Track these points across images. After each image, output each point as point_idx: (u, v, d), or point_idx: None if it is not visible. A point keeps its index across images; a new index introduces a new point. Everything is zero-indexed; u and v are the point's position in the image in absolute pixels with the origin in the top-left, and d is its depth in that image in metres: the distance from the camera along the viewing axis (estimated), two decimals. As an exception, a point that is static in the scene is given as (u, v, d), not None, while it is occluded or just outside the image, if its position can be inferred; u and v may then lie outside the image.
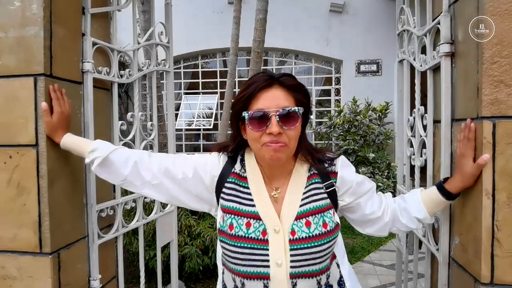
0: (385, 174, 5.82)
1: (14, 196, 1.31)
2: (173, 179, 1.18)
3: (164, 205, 2.10)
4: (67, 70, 1.40)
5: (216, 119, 7.54)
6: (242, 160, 1.16)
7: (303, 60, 7.44)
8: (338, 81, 7.28)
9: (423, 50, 1.55)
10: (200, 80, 7.77)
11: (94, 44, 1.52)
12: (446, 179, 1.20)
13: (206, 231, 3.61)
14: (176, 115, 7.71)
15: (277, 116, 1.00)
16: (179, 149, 8.07)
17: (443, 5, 1.30)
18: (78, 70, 1.47)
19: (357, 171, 6.03)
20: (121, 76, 1.72)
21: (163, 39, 2.08)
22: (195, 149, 8.05)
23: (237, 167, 1.15)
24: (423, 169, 1.59)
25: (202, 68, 7.87)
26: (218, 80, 7.70)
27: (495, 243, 1.06)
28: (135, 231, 3.20)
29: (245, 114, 1.03)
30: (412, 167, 1.74)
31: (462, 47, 1.22)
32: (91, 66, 1.49)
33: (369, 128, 6.07)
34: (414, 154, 1.64)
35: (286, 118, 1.01)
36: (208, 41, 7.25)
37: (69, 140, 1.30)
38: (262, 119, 1.01)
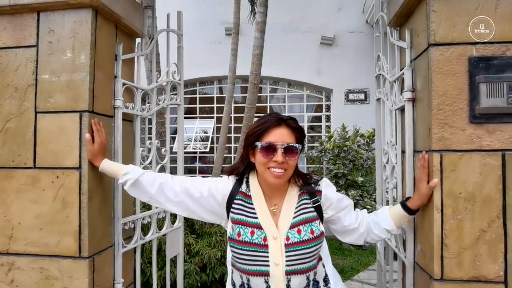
0: (374, 197, 6.12)
1: (59, 209, 1.59)
2: (192, 197, 1.48)
3: (173, 221, 2.37)
4: (103, 107, 1.72)
5: (212, 142, 7.86)
6: (247, 182, 1.47)
7: (296, 88, 7.88)
8: (328, 108, 7.70)
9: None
10: (198, 106, 8.13)
11: (123, 84, 1.85)
12: (407, 198, 1.53)
13: (204, 249, 3.84)
14: (174, 138, 7.99)
15: (282, 149, 1.33)
16: (173, 171, 8.28)
17: (406, 61, 1.66)
18: (111, 106, 1.79)
19: (347, 194, 6.31)
20: (142, 110, 2.04)
21: (176, 77, 2.41)
22: (190, 171, 8.29)
23: (243, 187, 1.46)
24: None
25: (199, 94, 8.25)
26: (215, 105, 8.07)
27: (444, 247, 1.38)
28: (141, 249, 3.42)
29: (259, 144, 1.35)
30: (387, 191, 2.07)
31: (420, 95, 1.58)
32: (121, 103, 1.81)
33: (357, 153, 6.42)
34: (387, 178, 1.97)
35: (288, 151, 1.34)
36: (206, 69, 7.66)
37: (106, 165, 1.60)
38: (271, 149, 1.34)
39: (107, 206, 1.75)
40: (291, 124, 1.39)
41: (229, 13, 6.19)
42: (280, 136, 1.35)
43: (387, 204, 2.00)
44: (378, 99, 2.26)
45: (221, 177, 1.54)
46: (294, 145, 1.36)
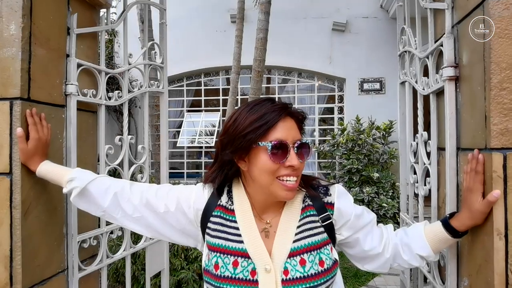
0: (390, 194, 5.67)
1: (-15, 227, 1.21)
2: (155, 212, 1.09)
3: (154, 232, 1.99)
4: (48, 93, 1.33)
5: (218, 136, 7.48)
6: (229, 192, 1.07)
7: (306, 78, 7.40)
8: (341, 99, 7.21)
9: (425, 72, 1.47)
10: (203, 98, 7.74)
11: (79, 65, 1.45)
12: (452, 214, 1.09)
13: (204, 254, 3.49)
14: (179, 132, 7.67)
15: (295, 148, 0.94)
16: (181, 166, 7.99)
17: (446, 27, 1.22)
18: (61, 93, 1.40)
19: (361, 191, 5.86)
20: (109, 98, 1.65)
21: (157, 59, 2.02)
22: (197, 166, 7.97)
23: (224, 199, 1.06)
24: (427, 198, 1.48)
25: (205, 85, 7.86)
26: (221, 97, 7.67)
27: (510, 289, 0.95)
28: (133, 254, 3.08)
29: (267, 144, 0.92)
30: (415, 195, 1.63)
31: (467, 71, 1.13)
32: (75, 88, 1.42)
33: (373, 147, 5.95)
34: (417, 182, 1.54)
35: (301, 150, 0.95)
36: (211, 59, 7.26)
37: (45, 169, 1.22)
38: (282, 151, 0.93)
39: (54, 222, 1.36)
40: (295, 113, 0.99)
41: (234, -1, 5.75)
42: (289, 130, 0.95)
43: (412, 216, 1.56)
44: (403, 82, 1.82)
45: (195, 184, 1.13)
46: (306, 141, 0.96)
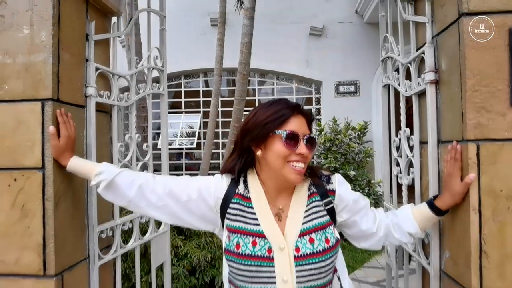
0: (366, 191, 5.96)
1: (17, 219, 1.31)
2: (178, 201, 1.22)
3: (158, 226, 2.11)
4: (72, 95, 1.44)
5: (199, 138, 7.56)
6: (245, 181, 1.22)
7: (284, 81, 7.64)
8: (318, 101, 7.50)
9: (407, 76, 1.69)
10: (183, 100, 7.80)
11: (96, 69, 1.56)
12: (435, 197, 1.30)
13: (193, 251, 3.59)
14: (158, 134, 7.68)
15: (305, 140, 1.12)
16: (158, 167, 7.97)
17: (427, 37, 1.43)
18: (81, 95, 1.50)
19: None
20: (120, 99, 1.76)
21: (158, 63, 2.14)
22: (176, 168, 7.99)
23: (241, 188, 1.21)
24: (409, 186, 1.70)
25: (184, 87, 7.92)
26: (201, 99, 7.77)
27: (483, 255, 1.16)
28: (125, 253, 3.16)
29: (283, 133, 1.11)
30: (398, 186, 1.85)
31: (445, 76, 1.35)
32: (94, 90, 1.53)
33: (349, 146, 6.23)
34: (401, 173, 1.75)
35: (309, 142, 1.13)
36: (191, 62, 7.34)
37: (75, 163, 1.32)
38: (294, 140, 1.11)
39: (78, 213, 1.47)
40: (306, 112, 1.19)
41: (215, 3, 5.87)
42: (301, 125, 1.15)
43: (397, 202, 1.78)
44: (385, 85, 2.03)
45: (212, 175, 1.28)
46: (313, 136, 1.16)
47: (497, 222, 1.16)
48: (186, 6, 7.22)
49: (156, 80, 2.11)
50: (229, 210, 1.18)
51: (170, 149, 7.94)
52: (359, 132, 6.46)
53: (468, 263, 1.18)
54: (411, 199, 1.64)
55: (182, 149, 7.77)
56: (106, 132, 1.72)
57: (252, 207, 1.17)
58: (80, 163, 1.34)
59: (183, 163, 7.93)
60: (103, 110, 1.69)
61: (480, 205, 1.17)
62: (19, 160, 1.31)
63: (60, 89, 1.35)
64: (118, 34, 1.71)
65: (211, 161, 5.53)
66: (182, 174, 8.01)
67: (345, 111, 6.66)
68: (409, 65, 1.62)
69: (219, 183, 1.23)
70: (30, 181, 1.30)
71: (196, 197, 1.21)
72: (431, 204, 1.27)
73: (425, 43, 1.46)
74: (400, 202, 1.79)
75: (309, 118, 1.20)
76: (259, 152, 1.17)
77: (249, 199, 1.19)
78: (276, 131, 1.12)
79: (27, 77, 1.32)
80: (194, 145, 7.53)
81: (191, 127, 7.76)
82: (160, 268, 2.60)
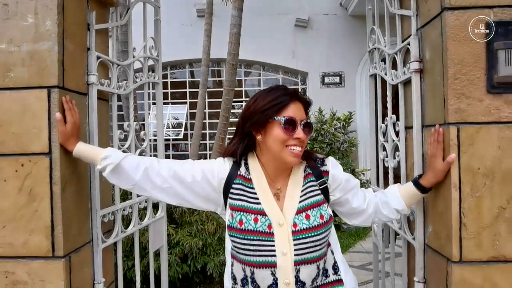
0: (351, 179, 6.14)
1: (25, 203, 1.35)
2: (183, 182, 1.30)
3: (155, 211, 2.17)
4: (75, 83, 1.48)
5: (185, 129, 7.58)
6: (246, 164, 1.31)
7: (270, 72, 7.71)
8: (304, 92, 7.61)
9: (392, 66, 1.80)
10: (169, 90, 7.78)
11: (98, 58, 1.60)
12: (420, 176, 1.42)
13: (185, 239, 3.66)
14: (144, 125, 7.64)
15: (302, 125, 1.21)
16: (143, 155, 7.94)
17: (412, 30, 1.54)
18: (84, 83, 1.55)
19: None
20: (119, 87, 1.80)
21: (153, 52, 2.18)
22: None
23: (242, 170, 1.30)
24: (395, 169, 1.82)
25: (170, 78, 7.89)
26: (188, 90, 7.77)
27: (462, 227, 1.29)
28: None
29: (281, 118, 1.19)
30: (385, 169, 1.97)
31: (429, 65, 1.46)
32: (95, 78, 1.57)
33: (334, 136, 6.40)
34: (387, 157, 1.87)
35: (306, 127, 1.22)
36: (177, 52, 7.30)
37: (81, 148, 1.38)
38: (292, 125, 1.19)
39: (83, 197, 1.52)
40: (303, 99, 1.27)
41: (201, -7, 5.87)
42: (298, 111, 1.23)
43: (382, 187, 1.90)
44: (372, 75, 2.14)
45: (215, 160, 1.36)
46: (310, 121, 1.25)
47: (475, 197, 1.28)
48: (172, -4, 7.17)
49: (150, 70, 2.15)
50: (232, 190, 1.27)
51: (156, 140, 7.93)
52: (344, 122, 6.64)
53: (450, 236, 1.30)
54: (396, 181, 1.76)
55: (168, 140, 7.78)
56: (106, 120, 1.77)
57: (253, 188, 1.26)
58: (86, 148, 1.39)
59: (170, 154, 7.94)
60: (103, 98, 1.74)
61: (460, 182, 1.29)
62: (25, 146, 1.35)
63: (65, 77, 1.39)
64: (117, 24, 1.75)
65: (199, 152, 5.58)
66: (169, 166, 8.00)
67: (330, 102, 6.81)
68: (395, 55, 1.73)
69: (222, 165, 1.31)
70: (37, 166, 1.35)
71: (200, 179, 1.29)
72: (416, 183, 1.39)
73: (410, 35, 1.56)
74: (386, 185, 1.91)
75: (306, 104, 1.28)
76: (259, 137, 1.25)
77: (250, 180, 1.28)
78: (275, 117, 1.20)
79: (32, 65, 1.35)
80: (181, 136, 7.55)
81: (176, 119, 7.77)
82: (154, 256, 2.68)
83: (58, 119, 1.34)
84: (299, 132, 1.20)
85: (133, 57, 1.94)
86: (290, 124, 1.19)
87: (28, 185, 1.35)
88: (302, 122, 1.21)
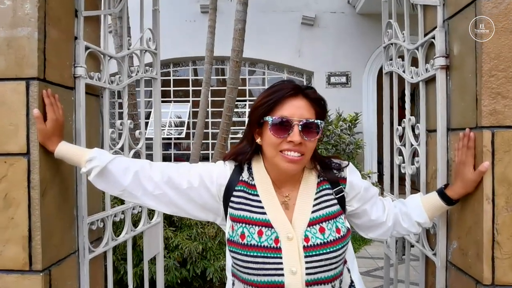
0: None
1: (0, 209, 1.20)
2: (177, 189, 1.14)
3: (151, 216, 2.02)
4: (60, 75, 1.33)
5: (188, 127, 7.43)
6: (250, 168, 1.15)
7: (275, 71, 7.55)
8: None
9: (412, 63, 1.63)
10: (172, 88, 7.64)
11: (86, 48, 1.45)
12: (446, 186, 1.25)
13: (184, 243, 3.52)
14: (147, 123, 7.52)
15: (300, 126, 1.02)
16: (149, 158, 7.83)
17: (438, 21, 1.37)
18: (70, 75, 1.39)
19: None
20: (111, 82, 1.65)
21: (151, 45, 2.03)
22: (165, 158, 7.85)
23: (245, 175, 1.13)
24: (403, 178, 1.66)
25: (173, 76, 7.75)
26: (191, 88, 7.62)
27: (495, 245, 1.12)
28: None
29: (269, 119, 1.03)
30: (400, 177, 1.81)
31: (457, 61, 1.29)
32: (83, 71, 1.42)
33: (340, 137, 6.23)
34: (404, 163, 1.70)
35: (307, 129, 1.03)
36: (180, 49, 7.16)
37: (64, 149, 1.22)
38: (285, 126, 1.02)
39: (67, 203, 1.37)
40: (310, 94, 1.07)
41: (205, -12, 5.72)
42: (297, 108, 1.04)
43: (397, 195, 1.73)
44: (387, 73, 1.97)
45: (215, 163, 1.20)
46: (315, 121, 1.04)
47: (511, 211, 1.12)
48: (176, -8, 7.03)
49: (147, 65, 2.00)
50: (232, 198, 1.11)
51: (149, 138, 7.80)
52: (350, 123, 6.47)
53: (480, 254, 1.14)
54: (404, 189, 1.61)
55: (170, 139, 7.64)
56: (96, 117, 1.62)
57: (257, 195, 1.10)
58: (69, 149, 1.23)
59: (172, 153, 7.80)
60: (93, 93, 1.59)
61: (493, 194, 1.12)
62: (1, 146, 1.20)
63: (46, 68, 1.24)
64: (110, 12, 1.60)
65: (201, 152, 5.43)
66: (170, 165, 7.86)
67: (336, 102, 6.62)
68: (416, 51, 1.56)
69: (222, 169, 1.15)
70: (14, 168, 1.20)
71: (197, 185, 1.13)
72: (442, 193, 1.22)
73: (435, 28, 1.39)
74: (402, 193, 1.75)
75: (316, 100, 1.07)
76: (258, 140, 1.10)
77: (254, 186, 1.11)
78: (265, 118, 1.04)
79: (9, 53, 1.20)
80: (183, 135, 7.40)
81: (179, 117, 7.62)
82: (151, 260, 2.53)
83: (37, 116, 1.19)
84: (293, 135, 1.01)
85: (128, 49, 1.78)
86: (282, 125, 1.02)
87: (3, 189, 1.20)
88: (301, 123, 1.02)
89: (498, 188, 1.13)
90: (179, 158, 7.75)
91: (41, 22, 1.21)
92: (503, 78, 1.12)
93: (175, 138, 7.57)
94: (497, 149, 1.12)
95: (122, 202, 1.86)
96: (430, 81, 1.47)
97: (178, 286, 3.52)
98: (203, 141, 6.02)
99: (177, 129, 7.52)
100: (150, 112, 7.54)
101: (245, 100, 7.51)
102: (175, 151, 7.81)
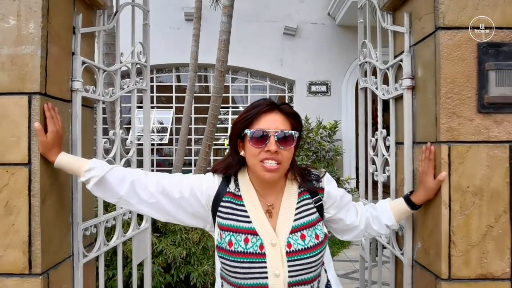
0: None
1: (0, 216, 1.28)
2: (170, 198, 1.24)
3: (140, 222, 2.11)
4: (59, 89, 1.42)
5: (171, 134, 7.47)
6: (236, 180, 1.26)
7: (258, 78, 7.71)
8: (291, 99, 7.63)
9: (384, 80, 1.80)
10: (155, 94, 7.67)
11: (83, 63, 1.54)
12: (411, 192, 1.42)
13: (168, 248, 3.57)
14: (128, 129, 7.50)
15: (276, 137, 1.14)
16: (139, 165, 7.80)
17: (405, 47, 1.54)
18: (67, 89, 1.48)
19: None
20: (105, 94, 1.74)
21: (142, 58, 2.13)
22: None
23: (232, 187, 1.25)
24: (376, 184, 1.82)
25: (156, 82, 7.78)
26: (174, 94, 7.67)
27: (452, 245, 1.29)
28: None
29: (248, 132, 1.16)
30: (374, 183, 1.97)
31: (421, 83, 1.47)
32: (80, 85, 1.51)
33: (320, 144, 6.42)
34: (377, 171, 1.86)
35: (283, 139, 1.15)
36: (163, 56, 7.20)
37: (64, 159, 1.31)
38: (262, 138, 1.14)
39: (64, 210, 1.45)
40: (285, 109, 1.21)
41: (190, -3, 5.82)
42: (273, 122, 1.17)
43: (371, 200, 1.89)
44: (362, 88, 2.14)
45: (204, 175, 1.32)
46: (290, 132, 1.17)
47: (464, 215, 1.29)
48: (162, 0, 7.10)
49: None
50: (220, 208, 1.22)
51: (139, 144, 7.78)
52: (330, 131, 6.67)
53: (439, 253, 1.30)
54: (386, 195, 1.76)
55: (153, 145, 7.64)
56: (90, 127, 1.70)
57: (243, 205, 1.21)
58: (69, 159, 1.33)
59: (154, 159, 7.80)
60: (87, 105, 1.67)
61: (450, 200, 1.29)
62: (2, 156, 1.28)
63: (47, 83, 1.33)
64: (104, 28, 1.69)
65: (185, 157, 5.49)
66: (152, 171, 7.86)
67: (317, 110, 6.83)
68: (387, 70, 1.73)
69: (211, 181, 1.26)
70: (15, 177, 1.28)
71: (188, 195, 1.23)
72: (407, 199, 1.38)
73: (403, 52, 1.56)
74: (375, 198, 1.91)
75: (291, 115, 1.20)
76: (242, 152, 1.22)
77: (239, 197, 1.23)
78: (245, 131, 1.18)
79: (13, 69, 1.29)
80: (166, 141, 7.43)
81: (161, 123, 7.65)
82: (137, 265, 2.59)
83: (38, 129, 1.27)
84: (270, 144, 1.14)
85: (120, 62, 1.88)
86: (260, 137, 1.15)
87: (4, 197, 1.28)
88: (276, 134, 1.15)
89: (453, 195, 1.29)
90: (160, 164, 7.76)
91: (44, 40, 1.30)
92: (457, 100, 1.30)
93: (157, 144, 7.59)
94: (453, 161, 1.29)
95: (109, 208, 1.94)
96: (399, 98, 1.64)
97: (162, 291, 3.57)
98: (187, 147, 6.09)
99: (159, 135, 7.54)
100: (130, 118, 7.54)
101: (227, 107, 7.62)
102: (157, 157, 7.81)
